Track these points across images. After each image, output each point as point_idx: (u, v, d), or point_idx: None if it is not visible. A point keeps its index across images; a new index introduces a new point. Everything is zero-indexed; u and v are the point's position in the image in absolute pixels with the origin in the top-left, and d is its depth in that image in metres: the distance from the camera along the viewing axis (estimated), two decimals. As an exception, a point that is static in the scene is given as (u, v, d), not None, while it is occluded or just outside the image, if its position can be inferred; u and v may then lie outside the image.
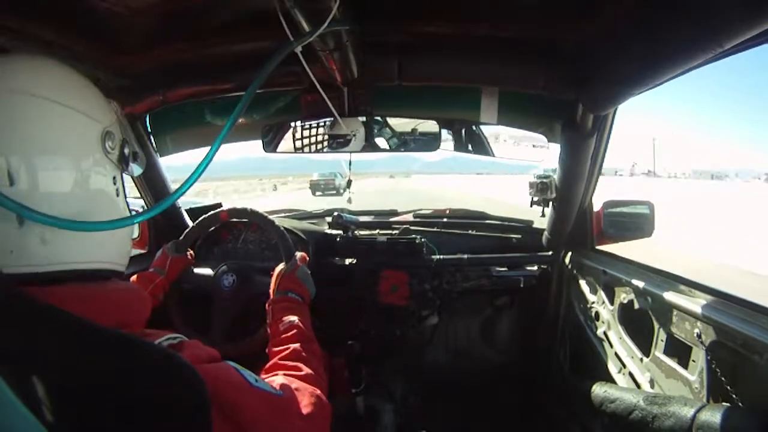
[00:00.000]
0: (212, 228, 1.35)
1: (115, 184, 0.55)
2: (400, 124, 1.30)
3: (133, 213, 0.59)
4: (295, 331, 0.84)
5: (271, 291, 1.00)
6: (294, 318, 0.87)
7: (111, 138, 0.54)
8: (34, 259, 0.46)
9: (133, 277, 1.15)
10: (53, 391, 0.36)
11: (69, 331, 0.40)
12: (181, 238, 1.28)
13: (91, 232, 0.50)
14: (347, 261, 1.47)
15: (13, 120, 0.45)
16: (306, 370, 0.74)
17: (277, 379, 0.67)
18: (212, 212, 1.29)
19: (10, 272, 0.44)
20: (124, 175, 0.59)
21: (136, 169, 0.61)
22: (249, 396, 0.53)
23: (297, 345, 0.80)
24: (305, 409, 0.63)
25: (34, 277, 0.45)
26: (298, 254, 1.10)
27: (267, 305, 0.95)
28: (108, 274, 0.54)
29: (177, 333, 0.54)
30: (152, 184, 1.40)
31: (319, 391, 0.69)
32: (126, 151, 0.57)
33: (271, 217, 1.26)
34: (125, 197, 0.59)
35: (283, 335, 0.83)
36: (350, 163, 1.58)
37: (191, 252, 1.31)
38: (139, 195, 1.42)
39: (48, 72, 0.50)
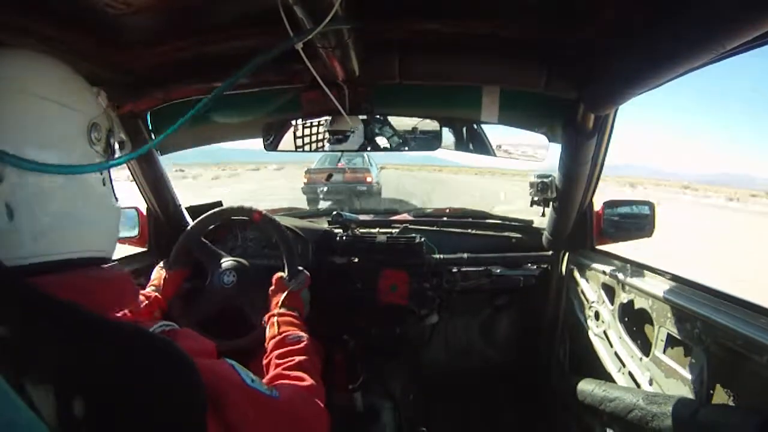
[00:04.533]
0: (217, 223, 1.34)
1: (101, 173, 0.56)
2: (400, 122, 1.29)
3: (125, 207, 0.58)
4: (302, 345, 0.86)
5: (273, 303, 1.01)
6: (303, 334, 0.90)
7: (97, 129, 0.54)
8: (23, 252, 0.46)
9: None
10: (53, 384, 0.36)
11: (68, 321, 0.39)
12: (180, 238, 1.25)
13: (78, 226, 0.51)
14: (347, 259, 1.47)
15: None
16: (309, 381, 0.75)
17: (278, 385, 0.67)
18: (246, 207, 1.29)
19: None
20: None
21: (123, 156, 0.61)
22: (244, 395, 0.53)
23: (303, 357, 0.81)
24: (302, 415, 0.63)
25: (24, 269, 0.45)
26: (305, 274, 1.09)
27: (269, 316, 0.96)
28: (98, 261, 0.54)
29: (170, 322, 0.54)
30: (152, 181, 1.40)
31: (319, 402, 0.70)
32: (112, 140, 0.57)
33: (271, 215, 1.25)
34: (112, 186, 0.59)
35: (290, 347, 0.84)
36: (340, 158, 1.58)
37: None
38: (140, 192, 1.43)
39: (30, 65, 0.50)
